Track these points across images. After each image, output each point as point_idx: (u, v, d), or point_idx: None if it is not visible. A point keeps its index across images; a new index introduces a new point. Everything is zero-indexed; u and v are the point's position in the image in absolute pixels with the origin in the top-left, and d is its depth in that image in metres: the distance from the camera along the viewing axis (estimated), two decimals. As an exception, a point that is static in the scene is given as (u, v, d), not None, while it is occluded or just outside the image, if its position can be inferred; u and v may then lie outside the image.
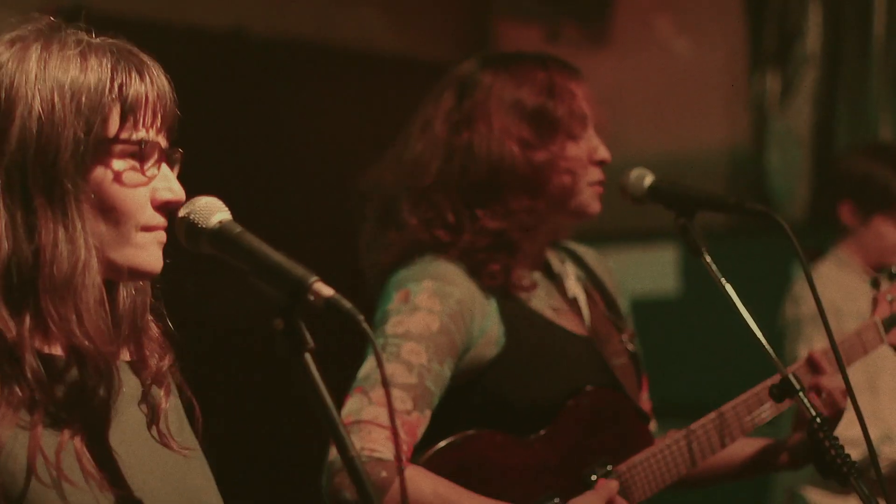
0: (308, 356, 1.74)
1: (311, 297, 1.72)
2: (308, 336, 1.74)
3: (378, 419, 2.60)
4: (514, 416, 2.78)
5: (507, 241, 2.81)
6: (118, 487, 1.83)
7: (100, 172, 1.84)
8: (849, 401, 2.65)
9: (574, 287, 2.99)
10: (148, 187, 1.88)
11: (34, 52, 1.85)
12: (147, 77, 1.88)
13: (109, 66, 1.85)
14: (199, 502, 1.96)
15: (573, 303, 2.97)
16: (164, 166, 1.90)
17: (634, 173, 2.88)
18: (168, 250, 1.91)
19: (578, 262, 3.07)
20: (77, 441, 1.82)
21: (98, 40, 1.90)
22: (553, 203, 2.85)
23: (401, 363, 2.67)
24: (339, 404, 2.62)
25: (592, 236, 3.20)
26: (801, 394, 2.65)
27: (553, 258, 3.01)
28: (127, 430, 1.90)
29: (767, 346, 2.68)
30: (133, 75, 1.86)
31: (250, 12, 5.57)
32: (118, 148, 1.85)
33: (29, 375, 1.78)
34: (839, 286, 4.33)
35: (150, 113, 1.87)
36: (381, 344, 2.70)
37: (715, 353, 5.63)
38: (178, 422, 1.99)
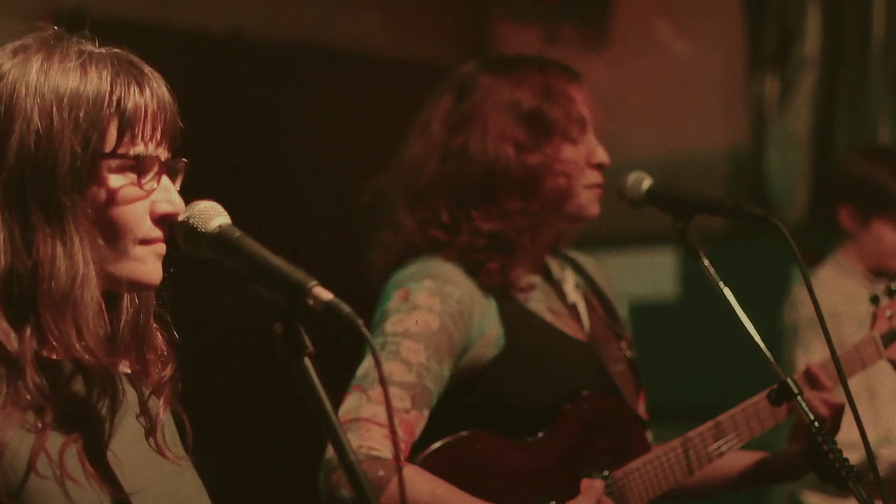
0: (307, 360, 1.74)
1: (311, 302, 1.72)
2: (307, 340, 1.75)
3: (376, 417, 2.60)
4: (512, 417, 2.78)
5: (503, 242, 2.82)
6: (118, 489, 1.84)
7: (97, 187, 1.84)
8: (847, 404, 2.65)
9: (573, 293, 2.99)
10: (147, 200, 1.88)
11: (35, 64, 1.85)
12: (147, 89, 1.87)
13: (109, 78, 1.85)
14: None
15: (572, 308, 2.97)
16: (164, 178, 1.90)
17: (632, 177, 2.88)
18: (168, 256, 1.91)
19: (578, 270, 3.08)
20: (80, 444, 1.83)
21: (101, 50, 1.89)
22: (548, 205, 2.86)
23: (400, 362, 2.68)
24: (338, 406, 2.62)
25: (590, 240, 3.21)
26: (799, 398, 2.65)
27: (553, 264, 3.01)
28: (125, 438, 1.90)
29: (765, 350, 2.68)
30: (132, 88, 1.86)
31: (249, 14, 5.57)
32: (115, 163, 1.85)
33: (31, 388, 1.79)
34: (838, 291, 4.33)
35: (149, 126, 1.87)
36: (380, 342, 2.70)
37: (713, 357, 5.62)
38: (171, 435, 2.00)
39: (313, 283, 1.74)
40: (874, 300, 2.99)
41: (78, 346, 1.82)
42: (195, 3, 5.43)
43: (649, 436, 2.95)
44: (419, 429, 2.68)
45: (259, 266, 1.78)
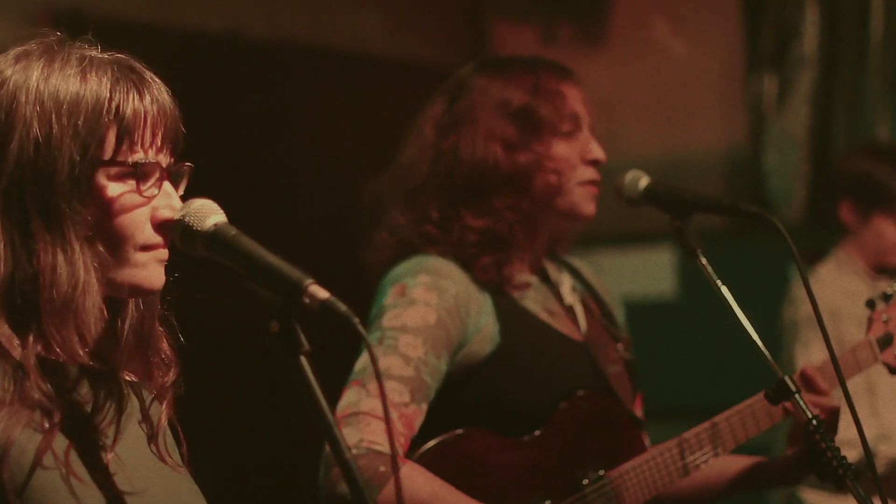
0: (303, 359, 1.74)
1: (307, 300, 1.72)
2: (304, 339, 1.74)
3: (376, 411, 2.61)
4: (507, 415, 2.78)
5: (494, 238, 2.83)
6: (121, 489, 1.85)
7: (97, 194, 1.85)
8: (845, 402, 2.65)
9: (569, 295, 3.00)
10: (147, 206, 1.88)
11: (36, 71, 1.85)
12: (147, 95, 1.87)
13: (108, 85, 1.85)
14: None
15: (569, 310, 2.97)
16: (166, 184, 1.90)
17: (629, 175, 2.88)
18: (171, 261, 1.91)
19: (575, 274, 3.08)
20: (85, 445, 1.83)
21: (102, 56, 1.90)
22: (539, 202, 2.87)
23: (398, 356, 2.68)
24: (334, 405, 2.62)
25: (588, 239, 3.20)
26: (797, 396, 2.65)
27: (551, 268, 3.02)
28: (128, 443, 1.91)
29: (763, 349, 2.67)
30: (131, 95, 1.86)
31: (246, 14, 5.57)
32: (115, 170, 1.86)
33: (36, 396, 1.79)
34: (839, 288, 4.33)
35: (148, 133, 1.87)
36: (377, 337, 2.71)
37: (711, 356, 5.63)
38: (170, 443, 2.00)
39: (309, 281, 1.74)
40: (870, 304, 2.99)
41: (81, 352, 1.82)
42: (193, 3, 5.43)
43: (646, 438, 2.95)
44: (418, 423, 2.69)
45: (255, 264, 1.78)
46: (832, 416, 2.75)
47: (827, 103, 5.90)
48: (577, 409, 2.81)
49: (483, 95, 2.87)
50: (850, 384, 2.67)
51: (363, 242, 2.95)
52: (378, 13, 6.11)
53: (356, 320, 1.71)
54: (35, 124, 1.82)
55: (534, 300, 2.90)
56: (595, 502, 2.75)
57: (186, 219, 1.85)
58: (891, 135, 5.68)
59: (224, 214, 1.86)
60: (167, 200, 1.89)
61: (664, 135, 6.19)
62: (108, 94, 1.84)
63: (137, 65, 1.91)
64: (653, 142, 6.10)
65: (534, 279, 2.94)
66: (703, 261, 2.76)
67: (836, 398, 2.77)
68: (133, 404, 1.94)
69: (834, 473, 2.63)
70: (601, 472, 2.77)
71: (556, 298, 2.97)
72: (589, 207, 2.90)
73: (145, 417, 1.95)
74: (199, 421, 2.05)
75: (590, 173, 2.89)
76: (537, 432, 2.78)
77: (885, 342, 2.98)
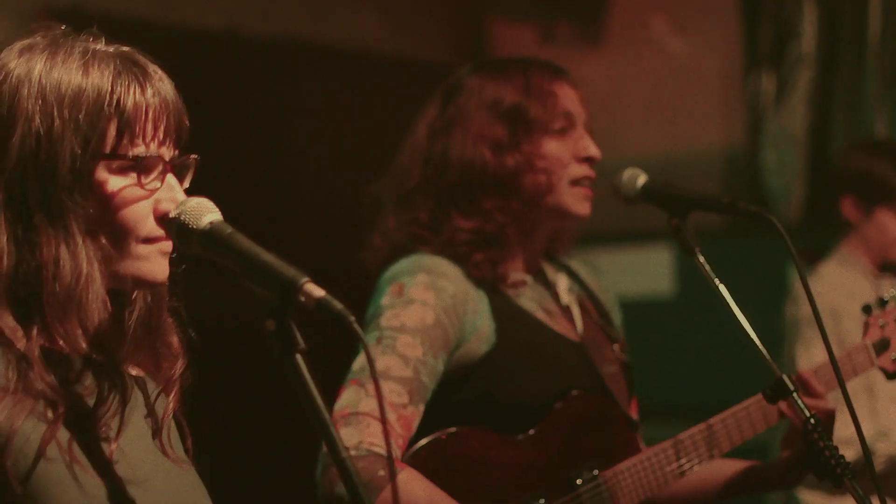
0: (299, 357, 1.74)
1: (303, 299, 1.72)
2: (299, 337, 1.74)
3: (375, 412, 2.61)
4: (503, 414, 2.78)
5: (485, 237, 2.83)
6: (125, 479, 1.85)
7: (98, 188, 1.85)
8: (842, 404, 2.65)
9: (566, 296, 3.00)
10: (150, 199, 1.88)
11: (39, 64, 1.85)
12: (149, 88, 1.87)
13: (110, 78, 1.85)
14: None
15: (566, 310, 2.97)
16: (169, 177, 1.90)
17: (627, 174, 2.88)
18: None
19: (573, 276, 3.08)
20: (89, 435, 1.84)
21: (106, 49, 1.90)
22: (529, 203, 2.86)
23: (397, 356, 2.68)
24: (331, 404, 2.62)
25: (585, 238, 3.20)
26: (794, 395, 2.64)
27: (548, 269, 3.02)
28: (132, 435, 1.91)
29: (761, 347, 2.67)
30: (133, 88, 1.86)
31: (243, 12, 5.56)
32: (116, 163, 1.86)
33: (40, 387, 1.79)
34: (841, 287, 4.33)
35: (150, 126, 1.87)
36: (376, 337, 2.71)
37: (709, 355, 5.63)
38: (174, 438, 2.01)
39: (305, 279, 1.73)
40: (866, 310, 3.00)
41: (84, 344, 1.83)
42: (192, 1, 5.43)
43: (640, 439, 2.94)
44: (416, 423, 2.69)
45: (251, 262, 1.78)
46: (828, 419, 2.75)
47: (825, 102, 5.90)
48: (572, 409, 2.81)
49: (475, 96, 2.88)
50: (849, 385, 2.67)
51: (362, 242, 2.95)
52: (377, 12, 6.11)
53: (352, 319, 1.70)
54: (37, 118, 1.82)
55: (530, 299, 2.90)
56: (589, 502, 2.75)
57: (182, 217, 1.85)
58: (889, 133, 5.68)
59: (220, 213, 1.85)
60: (170, 193, 1.89)
61: (663, 133, 6.19)
62: (110, 88, 1.85)
63: (141, 58, 1.91)
64: (651, 140, 6.10)
65: (529, 279, 2.94)
66: (701, 259, 2.75)
67: (833, 401, 2.78)
68: (137, 398, 1.94)
69: (832, 472, 2.63)
70: (595, 472, 2.77)
71: (553, 298, 2.97)
72: (581, 207, 2.89)
73: (150, 412, 1.95)
74: (199, 420, 2.05)
75: (583, 170, 2.88)
76: (532, 431, 2.78)
77: (881, 347, 2.98)
